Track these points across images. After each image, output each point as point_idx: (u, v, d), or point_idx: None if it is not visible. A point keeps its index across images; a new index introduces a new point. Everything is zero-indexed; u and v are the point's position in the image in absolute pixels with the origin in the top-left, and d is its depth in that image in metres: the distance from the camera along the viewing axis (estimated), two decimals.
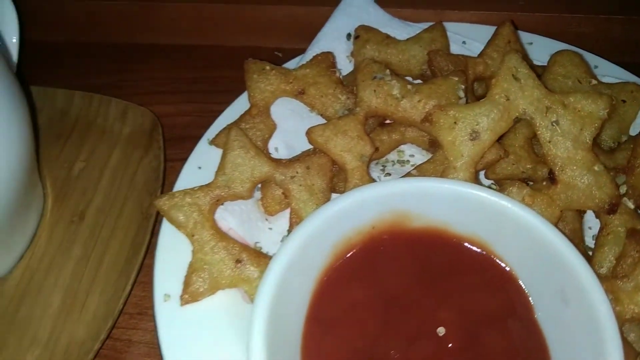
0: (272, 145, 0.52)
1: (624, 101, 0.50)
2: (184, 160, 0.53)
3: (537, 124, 0.44)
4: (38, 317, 0.48)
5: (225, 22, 0.64)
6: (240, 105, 0.54)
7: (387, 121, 0.53)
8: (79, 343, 0.46)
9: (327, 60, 0.53)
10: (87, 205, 0.54)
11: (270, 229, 0.50)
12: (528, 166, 0.47)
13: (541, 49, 0.56)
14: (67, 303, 0.48)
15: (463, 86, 0.48)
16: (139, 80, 0.63)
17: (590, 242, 0.47)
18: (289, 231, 0.48)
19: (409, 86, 0.48)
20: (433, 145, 0.51)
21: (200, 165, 0.51)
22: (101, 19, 0.63)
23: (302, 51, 0.58)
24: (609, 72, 0.54)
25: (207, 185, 0.46)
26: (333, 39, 0.58)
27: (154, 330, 0.48)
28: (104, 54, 0.63)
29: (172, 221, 0.45)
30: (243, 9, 0.63)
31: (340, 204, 0.42)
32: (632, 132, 0.50)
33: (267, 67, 0.52)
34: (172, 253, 0.46)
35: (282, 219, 0.50)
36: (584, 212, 0.47)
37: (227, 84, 0.60)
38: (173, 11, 0.63)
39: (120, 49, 0.65)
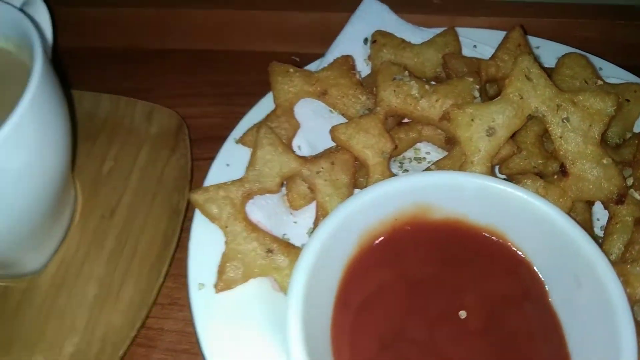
0: (295, 143, 0.55)
1: (627, 100, 0.53)
2: (209, 159, 0.55)
3: (549, 121, 0.47)
4: (74, 307, 0.50)
5: (247, 28, 0.66)
6: (263, 106, 0.57)
7: (404, 120, 0.56)
8: (116, 330, 0.48)
9: (347, 63, 0.56)
10: (118, 202, 0.56)
11: (295, 222, 0.52)
12: (539, 161, 0.50)
13: (548, 52, 0.59)
14: (102, 293, 0.50)
15: (477, 86, 0.51)
16: (164, 84, 0.65)
17: (598, 233, 0.50)
18: (315, 223, 0.50)
19: (427, 86, 0.51)
20: (449, 142, 0.53)
21: (228, 162, 0.53)
22: (128, 25, 0.66)
23: (318, 56, 0.61)
24: (613, 74, 0.57)
25: (239, 180, 0.48)
26: (351, 43, 0.61)
27: (184, 319, 0.51)
28: (130, 59, 0.66)
29: (207, 214, 0.47)
30: (264, 15, 0.65)
31: (366, 196, 0.45)
32: (636, 129, 0.53)
33: (291, 70, 0.55)
34: (204, 245, 0.48)
35: (306, 213, 0.52)
36: (593, 203, 0.50)
37: (248, 87, 0.62)
38: (198, 18, 0.66)
39: (146, 54, 0.67)
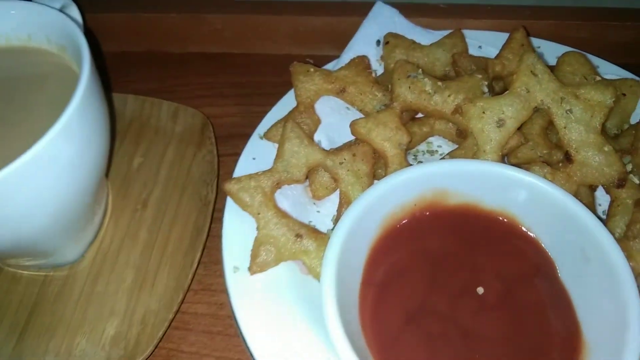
0: (315, 138, 0.58)
1: (624, 94, 0.57)
2: (232, 155, 0.59)
3: (554, 113, 0.51)
4: (113, 292, 0.53)
5: (264, 32, 0.70)
6: (284, 104, 0.61)
7: (417, 116, 0.60)
8: (153, 313, 0.51)
9: (363, 62, 0.60)
10: (149, 195, 0.59)
11: (318, 212, 0.56)
12: (544, 151, 0.54)
13: (548, 52, 0.63)
14: (139, 279, 0.53)
15: (486, 82, 0.55)
16: (186, 86, 0.68)
17: (600, 216, 0.54)
18: (338, 211, 0.54)
19: (439, 83, 0.55)
20: (459, 136, 0.57)
21: (254, 156, 0.57)
22: (151, 31, 0.69)
23: (331, 58, 0.65)
24: (609, 70, 0.61)
25: (269, 171, 0.52)
26: (364, 45, 0.65)
27: (216, 304, 0.54)
28: (153, 63, 0.69)
29: (239, 202, 0.51)
30: (280, 20, 0.69)
31: (388, 183, 0.49)
32: (633, 120, 0.57)
33: (312, 69, 0.59)
34: (236, 232, 0.52)
35: (327, 203, 0.56)
36: (595, 189, 0.54)
37: (266, 87, 0.66)
38: (217, 23, 0.69)
39: (168, 58, 0.71)
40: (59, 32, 0.49)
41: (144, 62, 0.69)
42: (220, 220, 0.54)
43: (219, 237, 0.53)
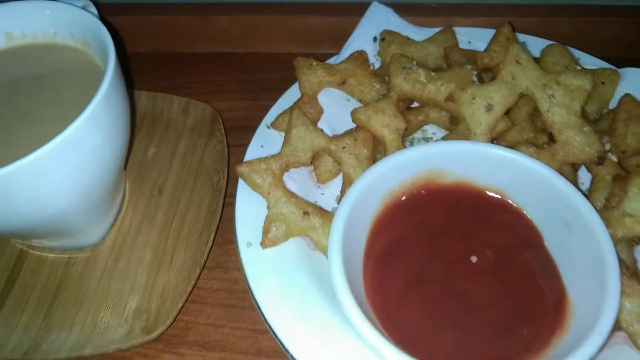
0: (318, 126, 0.63)
1: (603, 83, 0.62)
2: (241, 145, 0.63)
3: (538, 98, 0.56)
4: (133, 270, 0.57)
5: (268, 32, 0.75)
6: (288, 97, 0.65)
7: (413, 105, 0.65)
8: (172, 288, 0.55)
9: (361, 56, 0.65)
10: (164, 182, 0.63)
11: (323, 194, 0.60)
12: (531, 134, 0.58)
13: (532, 46, 0.68)
14: (157, 258, 0.57)
15: (475, 73, 0.60)
16: (195, 83, 0.73)
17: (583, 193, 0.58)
18: (342, 191, 0.58)
19: (432, 73, 0.60)
20: (452, 122, 0.62)
21: (262, 144, 0.61)
22: (162, 32, 0.73)
23: (331, 55, 0.69)
24: (589, 62, 0.65)
25: (277, 154, 0.56)
26: (362, 41, 0.69)
27: (230, 279, 0.58)
28: (163, 63, 0.73)
29: (251, 183, 0.55)
30: (283, 20, 0.74)
31: (387, 163, 0.53)
32: (611, 106, 0.62)
33: (314, 63, 0.63)
34: (248, 211, 0.56)
35: (332, 186, 0.60)
36: (578, 168, 0.58)
37: (270, 83, 0.70)
38: (224, 23, 0.74)
39: (178, 57, 0.75)
40: (83, 29, 0.54)
41: (156, 62, 0.73)
42: (231, 205, 0.58)
43: (231, 219, 0.57)
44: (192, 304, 0.56)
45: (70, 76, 0.55)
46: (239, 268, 0.55)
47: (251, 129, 0.63)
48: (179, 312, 0.54)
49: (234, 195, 0.58)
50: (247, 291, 0.54)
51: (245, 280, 0.52)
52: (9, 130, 0.51)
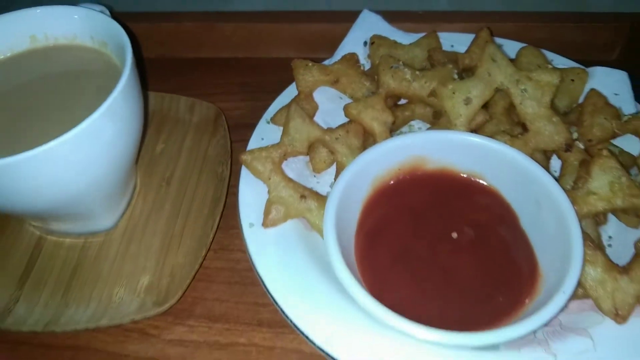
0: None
1: (572, 80, 0.68)
2: (242, 141, 0.69)
3: (511, 92, 0.62)
4: (144, 253, 0.62)
5: (267, 38, 0.81)
6: (285, 95, 0.71)
7: (400, 102, 0.70)
8: (180, 268, 0.60)
9: (353, 58, 0.70)
10: (172, 174, 0.69)
11: (318, 182, 0.65)
12: (507, 127, 0.64)
13: (509, 49, 0.74)
14: (166, 242, 0.62)
15: (456, 71, 0.66)
16: (199, 86, 0.78)
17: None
18: (335, 179, 0.63)
19: (417, 72, 0.66)
20: (435, 117, 0.68)
21: (263, 137, 0.67)
22: (167, 39, 0.79)
23: (324, 60, 0.76)
24: (561, 63, 0.72)
25: (277, 144, 0.62)
26: (353, 45, 0.75)
27: (233, 260, 0.63)
28: (168, 67, 0.79)
29: (253, 170, 0.61)
30: (281, 28, 0.80)
31: (376, 150, 0.58)
32: (580, 102, 0.68)
33: (310, 64, 0.69)
34: (250, 196, 0.61)
35: (326, 176, 0.66)
36: (550, 157, 0.64)
37: (269, 86, 0.75)
38: (226, 30, 0.80)
39: (183, 62, 0.81)
40: (101, 31, 0.59)
41: (163, 66, 0.79)
42: (234, 194, 0.63)
43: (233, 207, 0.62)
44: (198, 282, 0.61)
45: (89, 74, 0.60)
46: (242, 250, 0.61)
47: (251, 126, 0.69)
48: (187, 288, 0.58)
49: (236, 185, 0.63)
50: (249, 270, 0.59)
51: (248, 257, 0.57)
52: (34, 121, 0.56)
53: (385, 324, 0.47)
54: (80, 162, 0.53)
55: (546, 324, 0.47)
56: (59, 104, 0.58)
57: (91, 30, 0.60)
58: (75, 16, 0.60)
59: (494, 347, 0.51)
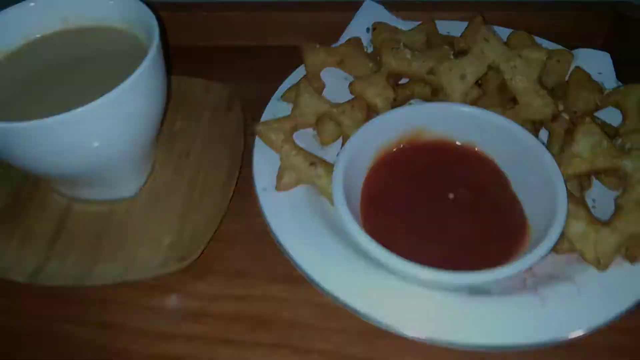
0: None
1: (559, 61, 0.74)
2: (253, 119, 0.74)
3: (503, 69, 0.67)
4: (166, 217, 0.66)
5: (277, 27, 0.87)
6: (294, 77, 0.76)
7: (401, 82, 0.76)
8: (200, 228, 0.65)
9: (357, 41, 0.76)
10: (190, 148, 0.74)
11: (325, 155, 0.71)
12: (497, 102, 0.70)
13: (501, 34, 0.79)
14: (186, 206, 0.67)
15: (452, 52, 0.72)
16: (210, 72, 0.82)
17: None
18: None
19: (416, 52, 0.72)
20: (433, 94, 0.73)
21: (274, 113, 0.72)
22: (181, 28, 0.85)
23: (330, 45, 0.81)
24: (549, 46, 0.78)
25: (288, 116, 0.67)
26: (357, 32, 0.81)
27: (248, 223, 0.67)
28: (182, 55, 0.83)
29: (266, 139, 0.66)
30: (290, 16, 0.86)
31: (379, 121, 0.64)
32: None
33: (317, 46, 0.75)
34: (263, 164, 0.67)
35: (332, 148, 0.71)
36: (539, 129, 0.69)
37: (278, 70, 0.79)
38: (238, 19, 0.86)
39: (201, 49, 0.87)
40: (130, 13, 0.65)
41: (177, 54, 0.84)
42: (247, 166, 0.68)
43: (247, 178, 0.67)
44: (216, 243, 0.65)
45: (118, 53, 0.66)
46: (256, 215, 0.66)
47: (262, 106, 0.74)
48: (206, 246, 0.63)
49: (250, 157, 0.69)
50: (262, 232, 0.64)
51: (263, 217, 0.63)
52: (67, 95, 0.61)
53: (391, 267, 0.53)
54: (107, 128, 0.58)
55: (534, 265, 0.52)
56: (89, 79, 0.63)
57: (120, 13, 0.66)
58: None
59: (486, 292, 0.56)
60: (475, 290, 0.57)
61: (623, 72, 0.74)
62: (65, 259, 0.63)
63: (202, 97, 0.80)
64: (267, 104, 0.75)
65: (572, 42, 0.80)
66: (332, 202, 0.63)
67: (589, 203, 0.64)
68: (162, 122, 0.74)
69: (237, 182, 0.69)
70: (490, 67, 0.68)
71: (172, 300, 0.62)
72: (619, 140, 0.62)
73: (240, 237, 0.67)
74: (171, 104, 0.79)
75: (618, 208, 0.58)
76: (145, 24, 0.64)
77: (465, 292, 0.56)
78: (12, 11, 0.66)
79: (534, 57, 0.67)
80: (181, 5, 0.87)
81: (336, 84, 0.76)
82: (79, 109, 0.53)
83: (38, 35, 0.67)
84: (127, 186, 0.69)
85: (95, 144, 0.58)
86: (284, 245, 0.59)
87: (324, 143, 0.71)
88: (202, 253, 0.63)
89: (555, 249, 0.59)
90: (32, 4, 0.66)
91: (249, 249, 0.66)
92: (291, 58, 0.78)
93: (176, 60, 0.83)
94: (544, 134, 0.69)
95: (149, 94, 0.61)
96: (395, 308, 0.55)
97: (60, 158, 0.58)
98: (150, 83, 0.60)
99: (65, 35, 0.68)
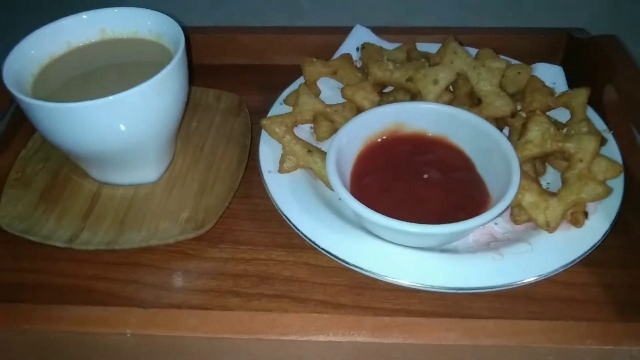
0: None
1: (519, 73, 0.87)
2: (258, 123, 0.86)
3: (469, 75, 0.80)
4: (184, 196, 0.77)
5: (279, 47, 1.00)
6: (293, 86, 0.89)
7: (385, 90, 0.89)
8: (213, 205, 0.75)
9: (348, 56, 0.90)
10: (204, 143, 0.85)
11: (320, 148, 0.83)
12: (467, 105, 0.83)
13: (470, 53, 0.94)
14: (201, 189, 0.78)
15: (427, 64, 0.85)
16: (221, 86, 0.95)
17: None
18: None
19: (397, 64, 0.85)
20: (412, 100, 0.86)
21: (277, 114, 0.85)
22: (198, 47, 0.99)
23: None
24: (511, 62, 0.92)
25: (289, 113, 0.80)
26: (348, 51, 0.94)
27: (254, 204, 0.78)
28: (198, 71, 0.95)
29: (271, 131, 0.78)
30: (290, 38, 0.99)
31: (367, 114, 0.76)
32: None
33: (315, 59, 0.88)
34: (267, 152, 0.78)
35: (326, 144, 0.83)
36: (503, 127, 0.82)
37: (280, 84, 0.92)
38: (244, 40, 1.00)
39: (207, 68, 1.00)
40: (158, 25, 0.78)
41: (195, 69, 0.96)
42: (253, 160, 0.80)
43: (253, 168, 0.79)
44: (226, 219, 0.76)
45: (147, 61, 0.78)
46: (261, 197, 0.77)
47: (266, 113, 0.87)
48: (218, 220, 0.74)
49: (256, 153, 0.80)
50: (266, 210, 0.76)
51: (268, 194, 0.74)
52: (105, 92, 0.73)
53: (376, 224, 0.64)
54: (138, 116, 0.68)
55: (493, 218, 0.63)
56: (122, 81, 0.74)
57: (150, 26, 0.79)
58: (137, 15, 0.79)
59: (455, 251, 0.67)
60: (446, 250, 0.67)
61: (574, 84, 0.87)
62: (97, 229, 0.74)
63: (215, 104, 0.93)
64: (268, 110, 0.88)
65: (533, 60, 0.94)
66: (325, 182, 0.75)
67: (544, 185, 0.75)
68: (181, 121, 0.86)
69: (245, 170, 0.81)
70: (459, 75, 0.81)
71: (189, 263, 0.72)
72: (565, 130, 0.74)
73: (247, 214, 0.78)
74: (188, 109, 0.91)
75: (563, 181, 0.70)
76: (172, 36, 0.77)
77: (437, 251, 0.67)
78: (59, 23, 0.79)
79: (495, 66, 0.80)
80: (198, 28, 1.01)
81: (330, 91, 0.88)
82: (116, 95, 0.65)
83: (80, 44, 0.80)
84: (151, 172, 0.80)
85: (127, 128, 0.69)
86: (286, 214, 0.70)
87: (319, 139, 0.83)
88: (213, 226, 0.74)
89: (514, 220, 0.71)
90: (75, 17, 0.80)
91: (253, 224, 0.76)
92: (292, 74, 0.92)
93: (193, 74, 0.96)
94: (505, 131, 0.82)
95: (173, 92, 0.73)
96: (379, 261, 0.65)
97: (97, 138, 0.69)
98: (174, 81, 0.73)
99: (103, 45, 0.81)
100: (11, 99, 0.88)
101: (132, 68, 0.78)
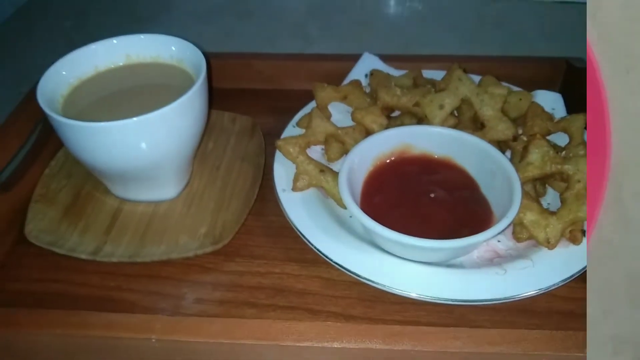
0: None
1: (520, 99, 0.92)
2: (272, 144, 0.91)
3: (473, 101, 0.85)
4: (202, 213, 0.81)
5: (292, 73, 1.05)
6: (306, 110, 0.94)
7: (392, 115, 0.94)
8: (229, 222, 0.79)
9: (358, 82, 0.95)
10: (220, 163, 0.90)
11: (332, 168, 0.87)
12: (471, 129, 0.87)
13: (474, 80, 0.99)
14: (218, 206, 0.82)
15: (433, 90, 0.90)
16: (238, 109, 1.00)
17: None
18: None
19: (405, 90, 0.90)
20: (419, 124, 0.91)
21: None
22: (215, 73, 1.04)
23: None
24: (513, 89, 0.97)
25: (302, 134, 0.84)
26: (357, 77, 1.00)
27: (268, 220, 0.82)
28: (216, 95, 1.00)
29: (285, 152, 0.82)
30: (303, 65, 1.05)
31: (376, 136, 0.81)
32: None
33: (326, 85, 0.93)
34: (281, 171, 0.83)
35: (337, 164, 0.87)
36: (505, 150, 0.86)
37: (292, 108, 0.97)
38: (260, 67, 1.06)
39: (227, 91, 1.05)
40: (180, 51, 0.83)
41: (212, 93, 1.02)
42: (268, 179, 0.84)
43: (267, 187, 0.83)
44: (242, 235, 0.80)
45: (170, 84, 0.83)
46: (273, 215, 0.81)
47: (279, 135, 0.91)
48: (234, 236, 0.78)
49: (270, 173, 0.85)
50: (280, 227, 0.79)
51: (282, 211, 0.78)
52: (129, 113, 0.77)
53: (385, 239, 0.68)
54: (160, 136, 0.72)
55: (496, 234, 0.67)
56: (146, 103, 0.79)
57: (173, 52, 0.84)
58: (161, 41, 0.84)
59: (460, 266, 0.71)
60: (452, 265, 0.71)
61: (572, 110, 0.92)
62: (119, 243, 0.78)
63: (230, 126, 0.98)
64: (281, 132, 0.92)
65: (533, 87, 0.99)
66: (336, 200, 0.79)
67: (545, 205, 0.79)
68: (200, 142, 0.90)
69: (259, 189, 0.85)
70: (463, 100, 0.86)
71: (207, 275, 0.76)
72: (563, 153, 0.78)
73: (261, 231, 0.82)
74: (205, 130, 0.96)
75: (562, 201, 0.74)
76: (194, 61, 0.82)
77: (444, 266, 0.71)
78: (87, 48, 0.84)
79: (498, 92, 0.85)
80: (216, 54, 1.06)
81: (340, 115, 0.93)
82: (140, 117, 0.70)
83: (106, 68, 0.85)
84: (170, 189, 0.84)
85: (149, 147, 0.74)
86: (301, 230, 0.74)
87: (330, 159, 0.87)
88: (230, 241, 0.78)
89: (516, 237, 0.75)
90: (103, 43, 0.85)
91: (268, 239, 0.80)
92: (302, 99, 0.96)
93: (210, 97, 1.01)
94: (507, 154, 0.86)
95: (194, 114, 0.78)
96: (389, 274, 0.69)
97: (121, 156, 0.73)
98: (195, 105, 0.77)
99: (128, 69, 0.86)
100: (37, 119, 0.93)
101: (155, 90, 0.83)
